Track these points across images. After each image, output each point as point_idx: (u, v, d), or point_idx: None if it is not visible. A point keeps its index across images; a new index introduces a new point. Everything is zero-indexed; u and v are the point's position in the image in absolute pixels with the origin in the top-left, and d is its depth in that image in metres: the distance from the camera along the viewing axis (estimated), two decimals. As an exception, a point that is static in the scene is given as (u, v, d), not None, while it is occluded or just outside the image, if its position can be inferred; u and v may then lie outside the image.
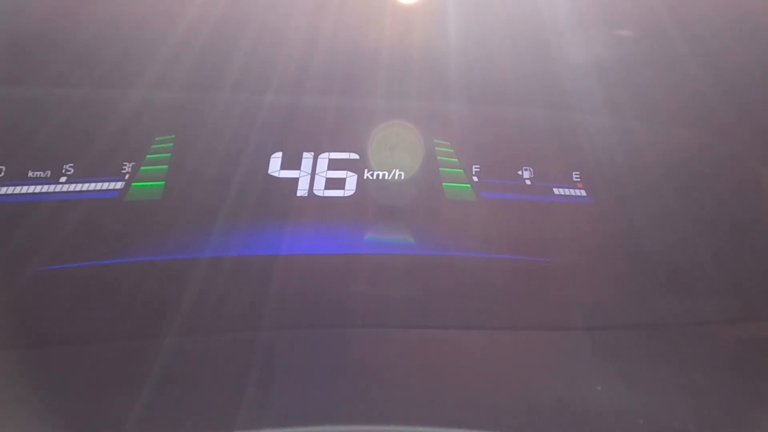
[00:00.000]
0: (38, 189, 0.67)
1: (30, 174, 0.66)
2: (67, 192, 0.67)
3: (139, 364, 0.55)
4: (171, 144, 0.68)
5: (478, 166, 0.78)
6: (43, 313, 0.65)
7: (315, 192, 0.74)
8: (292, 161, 0.74)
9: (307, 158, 0.75)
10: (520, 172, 0.80)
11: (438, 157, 0.74)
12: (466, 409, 0.49)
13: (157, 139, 0.67)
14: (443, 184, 0.74)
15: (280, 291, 0.65)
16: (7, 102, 0.65)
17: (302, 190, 0.74)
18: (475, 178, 0.77)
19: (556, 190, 0.80)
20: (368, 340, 0.62)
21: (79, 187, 0.67)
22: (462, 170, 0.75)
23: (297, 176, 0.74)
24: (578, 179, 0.81)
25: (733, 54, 0.65)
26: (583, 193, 0.80)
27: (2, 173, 0.65)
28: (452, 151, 0.74)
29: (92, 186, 0.67)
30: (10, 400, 0.53)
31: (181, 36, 0.60)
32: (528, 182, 0.80)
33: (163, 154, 0.68)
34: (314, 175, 0.75)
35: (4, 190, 0.66)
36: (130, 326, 0.60)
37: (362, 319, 0.65)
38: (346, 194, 0.75)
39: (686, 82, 0.70)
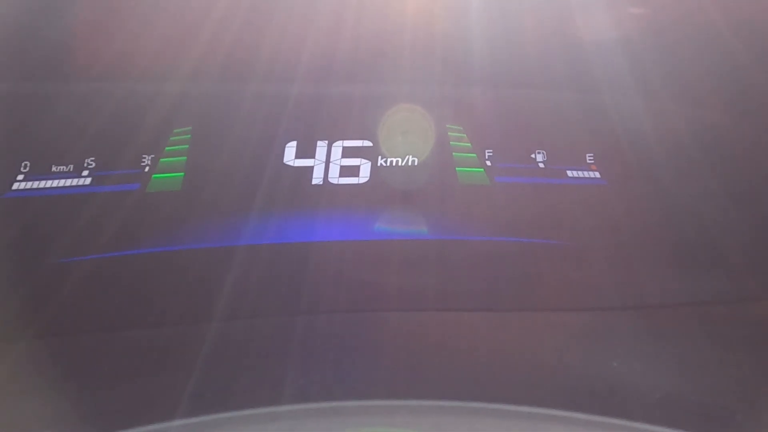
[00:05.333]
0: (61, 183, 0.69)
1: (53, 168, 0.68)
2: (90, 185, 0.69)
3: (165, 349, 0.57)
4: (189, 135, 0.69)
5: (491, 151, 0.78)
6: (69, 304, 0.67)
7: (330, 180, 0.75)
8: (306, 150, 0.75)
9: (321, 147, 0.76)
10: (533, 156, 0.80)
11: (451, 142, 0.74)
12: (483, 385, 0.50)
13: (175, 131, 0.69)
14: (456, 169, 0.74)
15: (296, 278, 0.67)
16: (30, 99, 0.67)
17: (317, 178, 0.75)
18: (488, 163, 0.78)
19: (569, 173, 0.80)
20: (386, 324, 0.63)
21: (101, 180, 0.69)
22: (475, 155, 0.75)
23: (312, 165, 0.75)
24: (592, 161, 0.81)
25: (750, 34, 0.64)
26: (597, 174, 0.80)
27: (27, 168, 0.67)
28: (465, 135, 0.75)
29: (113, 179, 0.69)
30: (42, 386, 0.55)
31: (196, 30, 0.61)
32: (541, 165, 0.80)
33: (182, 146, 0.69)
34: (329, 163, 0.76)
35: (29, 184, 0.68)
36: (155, 314, 0.62)
37: (379, 303, 0.66)
38: (360, 181, 0.76)
39: (701, 62, 0.69)
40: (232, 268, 0.66)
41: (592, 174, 0.80)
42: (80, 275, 0.67)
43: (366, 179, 0.76)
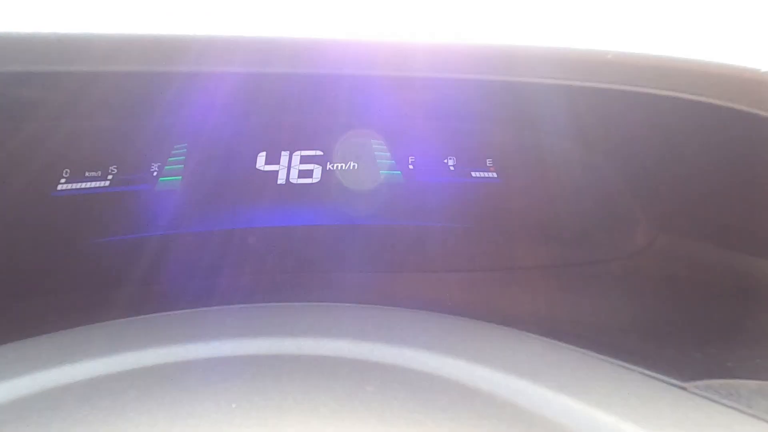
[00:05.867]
0: (93, 185, 0.94)
1: (86, 174, 0.93)
2: (113, 186, 0.94)
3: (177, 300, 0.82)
4: (185, 149, 0.95)
5: (413, 157, 1.04)
6: (99, 268, 0.93)
7: (291, 180, 1.01)
8: (273, 158, 1.01)
9: (284, 155, 1.01)
10: (446, 161, 1.05)
11: (375, 152, 1.00)
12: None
13: (175, 146, 0.94)
14: (380, 171, 1.00)
15: (263, 250, 0.92)
16: (65, 129, 0.91)
17: (281, 179, 1.01)
18: (411, 166, 1.03)
19: (473, 174, 1.06)
20: (326, 280, 0.89)
21: (122, 182, 0.94)
22: (393, 161, 1.01)
23: (277, 169, 1.01)
24: (491, 165, 1.07)
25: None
26: (495, 175, 1.06)
27: (68, 174, 0.92)
28: (385, 147, 1.00)
29: (130, 181, 0.94)
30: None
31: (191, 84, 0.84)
32: (452, 168, 1.05)
33: (180, 157, 0.94)
34: (290, 167, 1.01)
35: (69, 185, 0.93)
36: (163, 274, 0.88)
37: (324, 266, 0.92)
38: (313, 181, 1.01)
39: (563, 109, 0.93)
40: (218, 244, 0.92)
41: (490, 174, 1.06)
42: (108, 250, 0.92)
43: (318, 179, 1.01)
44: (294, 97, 0.90)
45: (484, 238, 1.04)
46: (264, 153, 1.00)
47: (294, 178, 1.00)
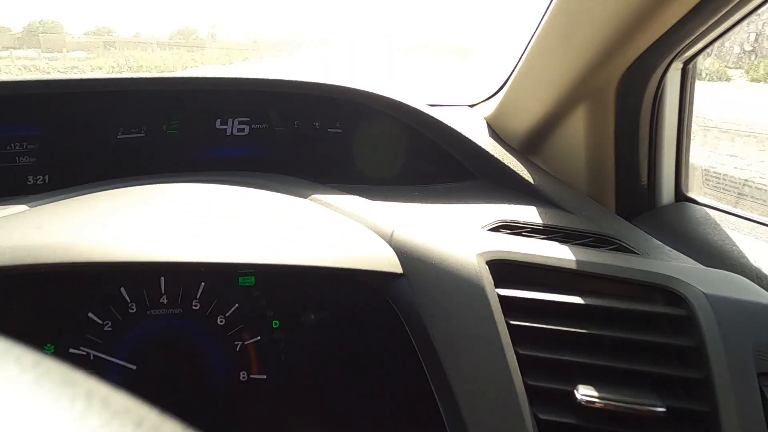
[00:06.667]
0: (137, 135, 1.91)
1: (131, 130, 1.90)
2: (146, 135, 1.91)
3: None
4: (179, 117, 1.92)
5: (297, 121, 2.01)
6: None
7: (234, 133, 1.98)
8: (224, 122, 1.98)
9: (230, 120, 1.98)
10: (315, 123, 2.03)
11: (271, 118, 1.97)
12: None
13: (173, 116, 1.91)
14: (275, 128, 1.97)
15: (218, 165, 1.90)
16: (122, 111, 1.88)
17: (228, 133, 1.97)
18: (296, 125, 2.01)
19: (329, 129, 2.04)
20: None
21: (149, 132, 1.91)
22: (284, 126, 1.98)
23: (226, 128, 1.98)
24: (339, 124, 2.04)
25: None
26: (340, 129, 2.04)
27: (122, 130, 1.90)
28: (279, 116, 1.97)
29: (153, 132, 1.91)
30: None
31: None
32: (317, 126, 2.03)
33: (176, 122, 1.91)
34: (233, 126, 1.98)
35: (124, 135, 1.90)
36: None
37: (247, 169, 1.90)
38: (245, 133, 1.99)
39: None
40: (196, 164, 1.90)
41: (338, 130, 2.04)
42: (140, 163, 1.90)
43: (247, 133, 1.99)
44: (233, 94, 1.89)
45: (327, 161, 2.03)
46: (219, 119, 1.98)
47: (235, 132, 1.98)
